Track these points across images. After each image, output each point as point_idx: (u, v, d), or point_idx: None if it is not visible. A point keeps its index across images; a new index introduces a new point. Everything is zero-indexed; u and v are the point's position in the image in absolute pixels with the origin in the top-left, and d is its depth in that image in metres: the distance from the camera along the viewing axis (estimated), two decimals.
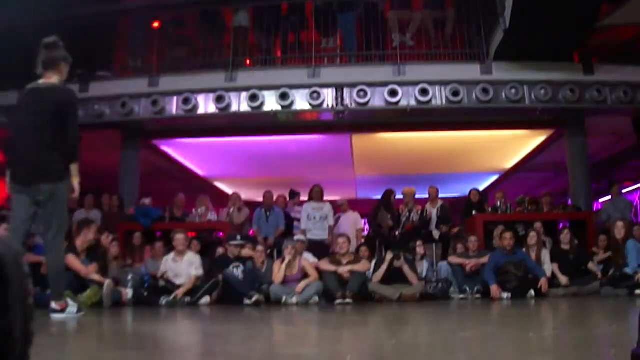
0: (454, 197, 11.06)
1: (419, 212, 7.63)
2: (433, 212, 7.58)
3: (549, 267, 6.12)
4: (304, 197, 8.08)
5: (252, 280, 5.83)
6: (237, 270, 5.89)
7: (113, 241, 6.08)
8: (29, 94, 3.67)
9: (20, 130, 3.65)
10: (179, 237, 5.89)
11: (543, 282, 5.73)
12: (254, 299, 5.40)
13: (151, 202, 7.44)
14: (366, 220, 8.43)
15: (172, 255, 5.92)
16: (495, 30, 6.94)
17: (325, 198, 7.56)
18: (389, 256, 5.91)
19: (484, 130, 8.39)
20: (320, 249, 6.84)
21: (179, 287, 5.64)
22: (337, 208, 7.81)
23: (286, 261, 5.82)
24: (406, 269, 5.84)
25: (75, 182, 3.60)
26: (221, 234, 7.38)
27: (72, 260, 5.14)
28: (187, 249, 5.99)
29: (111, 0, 8.39)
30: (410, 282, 5.82)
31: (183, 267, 5.81)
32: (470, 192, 7.95)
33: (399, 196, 7.96)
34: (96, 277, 5.19)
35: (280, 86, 7.17)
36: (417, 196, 7.91)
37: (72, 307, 3.69)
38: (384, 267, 5.86)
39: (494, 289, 5.69)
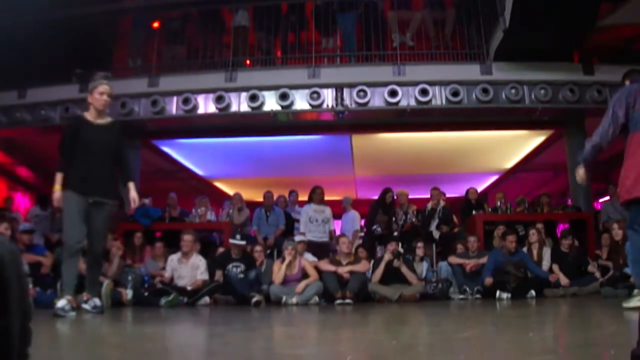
0: (453, 197, 11.06)
1: (415, 212, 7.63)
2: (435, 211, 7.57)
3: (547, 263, 6.14)
4: (302, 197, 8.06)
5: (254, 283, 5.82)
6: (237, 270, 5.88)
7: (116, 241, 6.07)
8: None
9: None
10: (187, 238, 5.83)
11: (557, 276, 5.92)
12: (254, 300, 5.40)
13: (151, 202, 7.44)
14: (364, 221, 8.42)
15: (177, 255, 5.88)
16: (495, 30, 6.94)
17: (324, 198, 7.54)
18: (387, 256, 5.91)
19: (484, 130, 8.38)
20: (320, 249, 6.83)
21: (180, 288, 5.62)
22: (339, 206, 7.78)
23: (286, 261, 5.81)
24: (404, 269, 5.84)
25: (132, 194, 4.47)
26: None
27: None
28: (193, 250, 5.93)
29: (111, 0, 8.39)
30: (409, 282, 5.83)
31: (188, 269, 5.79)
32: (467, 191, 7.94)
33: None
34: None
35: (280, 86, 7.17)
36: (417, 196, 7.90)
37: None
38: (381, 266, 5.87)
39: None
